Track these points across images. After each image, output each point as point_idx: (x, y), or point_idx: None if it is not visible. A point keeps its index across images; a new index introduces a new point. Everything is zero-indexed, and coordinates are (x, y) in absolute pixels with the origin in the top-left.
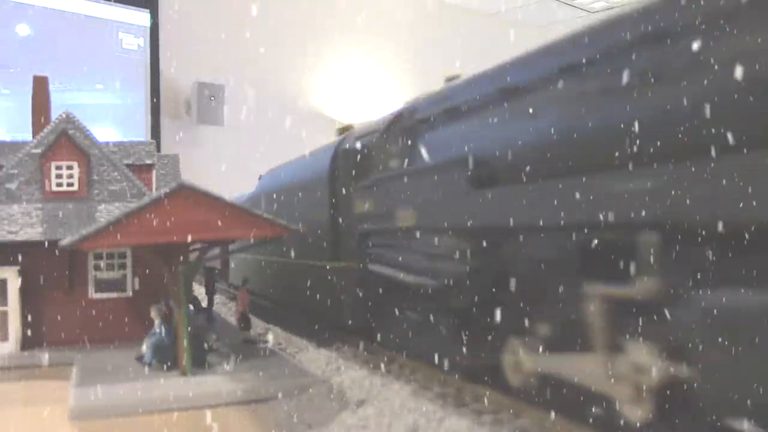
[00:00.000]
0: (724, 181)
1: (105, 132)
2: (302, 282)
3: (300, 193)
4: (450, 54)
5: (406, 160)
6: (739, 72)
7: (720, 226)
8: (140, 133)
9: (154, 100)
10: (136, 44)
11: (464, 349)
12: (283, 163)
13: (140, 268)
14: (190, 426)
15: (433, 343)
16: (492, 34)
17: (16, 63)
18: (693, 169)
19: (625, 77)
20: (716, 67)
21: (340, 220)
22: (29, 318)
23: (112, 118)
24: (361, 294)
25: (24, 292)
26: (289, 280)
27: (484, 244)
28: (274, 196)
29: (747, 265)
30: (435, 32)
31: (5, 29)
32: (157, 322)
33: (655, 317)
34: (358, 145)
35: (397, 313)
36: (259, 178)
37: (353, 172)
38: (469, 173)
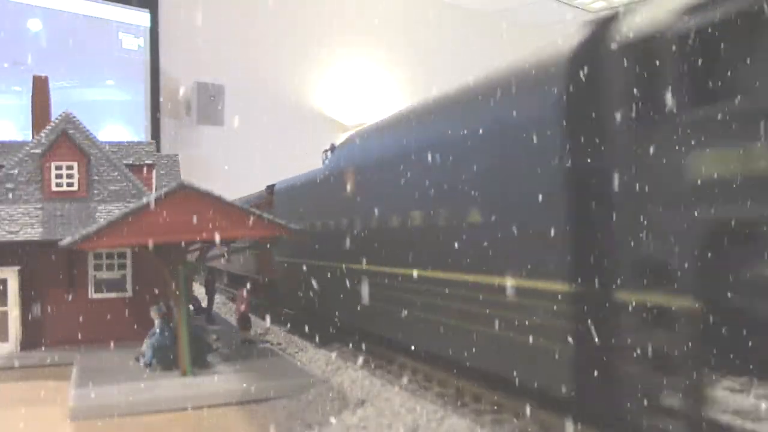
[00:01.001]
0: None
1: (108, 131)
2: (474, 319)
3: (462, 155)
4: (450, 53)
5: None
6: None
7: None
8: (141, 132)
9: (154, 100)
10: (136, 44)
11: None
12: (397, 112)
13: (140, 268)
14: (190, 426)
15: None
16: (492, 34)
17: (26, 61)
18: None
19: None
20: None
21: (601, 201)
22: (29, 318)
23: (114, 117)
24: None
25: (24, 292)
26: (434, 310)
27: None
28: (392, 166)
29: None
30: (435, 32)
31: (9, 28)
32: (157, 322)
33: None
34: (685, 26)
35: None
36: (332, 149)
37: (668, 94)
38: None
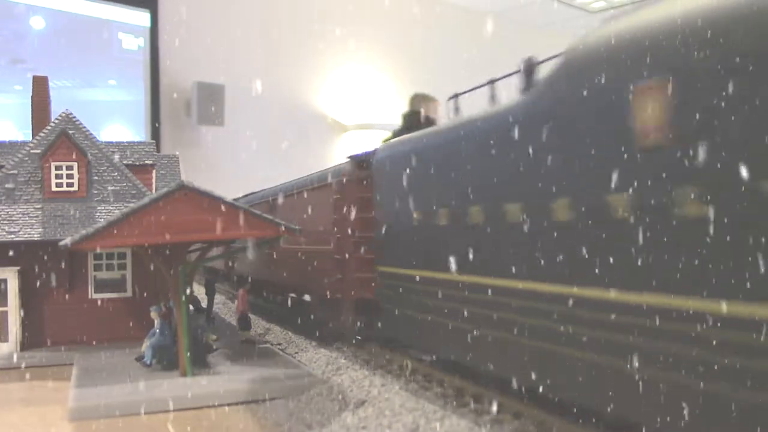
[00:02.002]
0: None
1: (108, 131)
2: None
3: None
4: (450, 53)
5: None
6: None
7: None
8: (141, 132)
9: (154, 100)
10: (136, 44)
11: None
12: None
13: (140, 268)
14: (190, 426)
15: None
16: (492, 34)
17: (26, 60)
18: None
19: None
20: None
21: None
22: (29, 318)
23: (114, 117)
24: None
25: (24, 292)
26: None
27: None
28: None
29: None
30: (435, 32)
31: (9, 27)
32: (157, 322)
33: None
34: None
35: None
36: (529, 65)
37: None
38: None
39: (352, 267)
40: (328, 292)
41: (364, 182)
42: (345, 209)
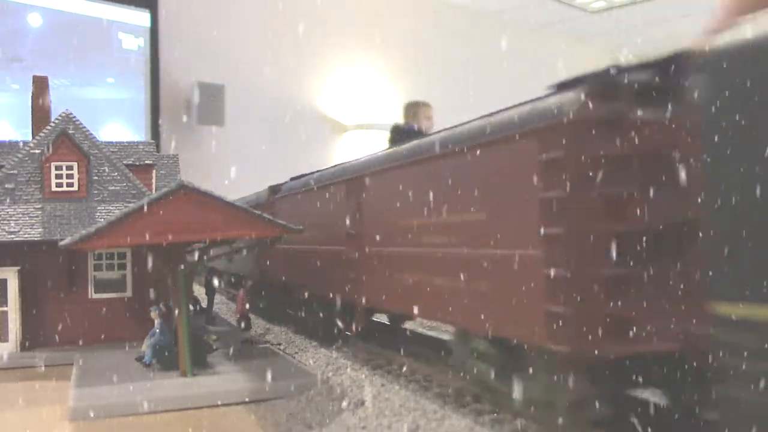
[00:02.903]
0: None
1: (108, 131)
2: None
3: None
4: (450, 53)
5: None
6: None
7: None
8: (141, 132)
9: (154, 100)
10: (136, 44)
11: None
12: None
13: (140, 268)
14: (190, 426)
15: None
16: (492, 34)
17: (24, 59)
18: None
19: None
20: None
21: None
22: (29, 318)
23: (114, 117)
24: None
25: (24, 292)
26: None
27: None
28: None
29: None
30: (435, 31)
31: (8, 27)
32: (157, 322)
33: None
34: None
35: None
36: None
37: None
38: None
39: (602, 294)
40: (496, 330)
41: (629, 128)
42: (584, 183)
